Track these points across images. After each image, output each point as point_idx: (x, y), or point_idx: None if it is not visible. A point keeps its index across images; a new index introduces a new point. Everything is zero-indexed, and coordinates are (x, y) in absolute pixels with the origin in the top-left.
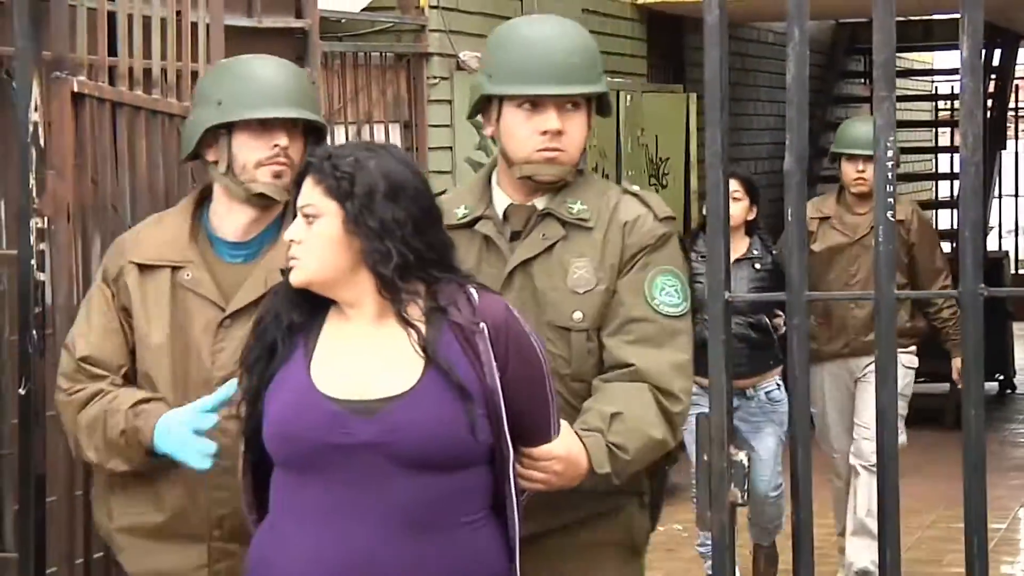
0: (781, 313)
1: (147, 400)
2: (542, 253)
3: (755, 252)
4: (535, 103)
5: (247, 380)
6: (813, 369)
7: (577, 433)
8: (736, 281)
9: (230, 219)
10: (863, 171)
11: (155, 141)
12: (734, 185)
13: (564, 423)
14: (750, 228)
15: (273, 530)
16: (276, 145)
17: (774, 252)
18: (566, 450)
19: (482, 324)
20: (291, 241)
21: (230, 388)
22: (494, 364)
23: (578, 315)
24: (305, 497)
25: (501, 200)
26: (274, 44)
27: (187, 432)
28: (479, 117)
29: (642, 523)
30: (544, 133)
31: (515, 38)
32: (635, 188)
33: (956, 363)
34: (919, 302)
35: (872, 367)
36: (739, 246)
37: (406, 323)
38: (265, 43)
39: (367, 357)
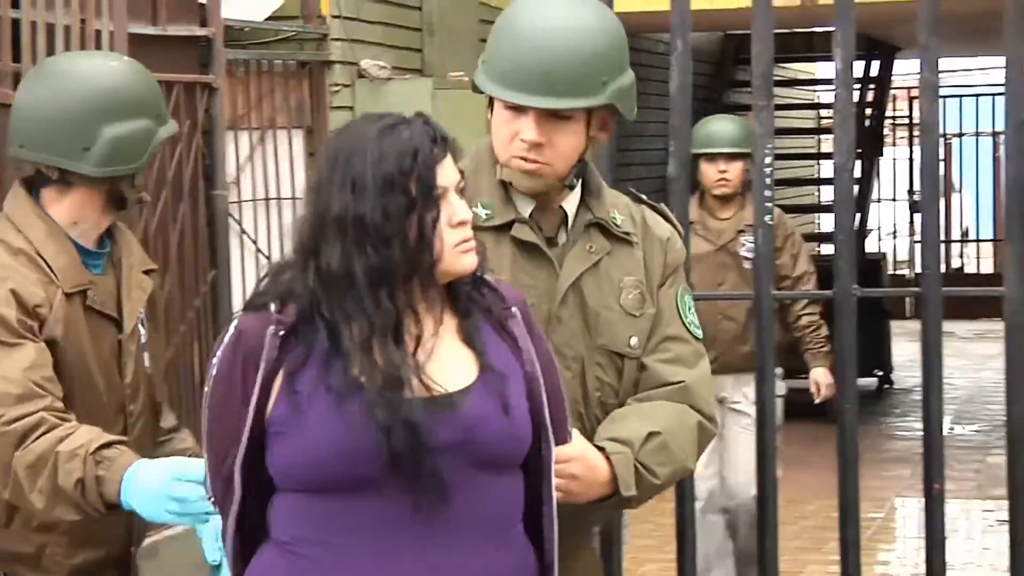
0: None
1: (108, 445)
2: (590, 268)
3: None
4: (519, 106)
5: (226, 415)
6: None
7: (601, 446)
8: None
9: (95, 229)
10: (725, 171)
11: None
12: None
13: (574, 430)
14: None
15: (306, 564)
16: None
17: None
18: (582, 451)
19: (514, 308)
20: (464, 223)
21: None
22: (532, 350)
23: (635, 340)
24: (354, 520)
25: (522, 200)
26: (178, 52)
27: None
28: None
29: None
30: (522, 141)
31: (513, 29)
32: (644, 197)
33: (815, 374)
34: (779, 311)
35: (740, 398)
36: None
37: (466, 311)
38: (169, 51)
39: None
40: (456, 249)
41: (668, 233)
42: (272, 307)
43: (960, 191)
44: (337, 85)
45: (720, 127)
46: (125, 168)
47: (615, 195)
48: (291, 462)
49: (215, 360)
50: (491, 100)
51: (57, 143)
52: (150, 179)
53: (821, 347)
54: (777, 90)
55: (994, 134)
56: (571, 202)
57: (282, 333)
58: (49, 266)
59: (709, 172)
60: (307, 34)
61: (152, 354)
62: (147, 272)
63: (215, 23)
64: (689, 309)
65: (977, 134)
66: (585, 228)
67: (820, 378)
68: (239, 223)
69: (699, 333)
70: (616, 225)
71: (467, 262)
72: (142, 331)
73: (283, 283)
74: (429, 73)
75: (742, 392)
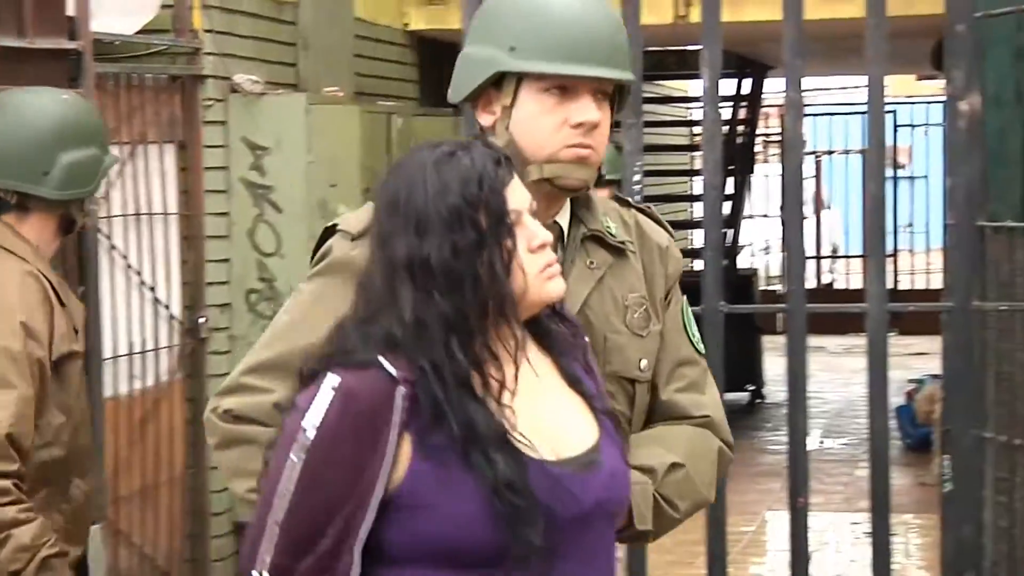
0: None
1: (57, 555)
2: (595, 287)
3: None
4: (567, 88)
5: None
6: None
7: None
8: None
9: (47, 252)
10: (590, 123)
11: None
12: None
13: None
14: None
15: None
16: None
17: None
18: None
19: (586, 338)
20: (544, 245)
21: None
22: (603, 382)
23: (644, 363)
24: None
25: None
26: (46, 65)
27: None
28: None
29: None
30: (578, 126)
31: (549, 3)
32: (631, 200)
33: None
34: None
35: None
36: None
37: (551, 348)
38: (36, 64)
39: (542, 402)
40: (542, 276)
41: (666, 241)
42: (387, 365)
43: (830, 207)
44: (210, 100)
45: None
46: (80, 191)
47: (604, 201)
48: (430, 534)
49: (312, 425)
50: (515, 94)
51: (18, 169)
52: None
53: None
54: (651, 107)
55: (864, 152)
56: (564, 215)
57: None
58: (50, 282)
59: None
60: (179, 48)
61: None
62: None
63: (84, 36)
64: (692, 323)
65: (847, 152)
66: (581, 242)
67: None
68: (108, 238)
69: (702, 347)
70: (611, 235)
71: (554, 288)
72: None
73: (375, 336)
74: (304, 88)
75: None
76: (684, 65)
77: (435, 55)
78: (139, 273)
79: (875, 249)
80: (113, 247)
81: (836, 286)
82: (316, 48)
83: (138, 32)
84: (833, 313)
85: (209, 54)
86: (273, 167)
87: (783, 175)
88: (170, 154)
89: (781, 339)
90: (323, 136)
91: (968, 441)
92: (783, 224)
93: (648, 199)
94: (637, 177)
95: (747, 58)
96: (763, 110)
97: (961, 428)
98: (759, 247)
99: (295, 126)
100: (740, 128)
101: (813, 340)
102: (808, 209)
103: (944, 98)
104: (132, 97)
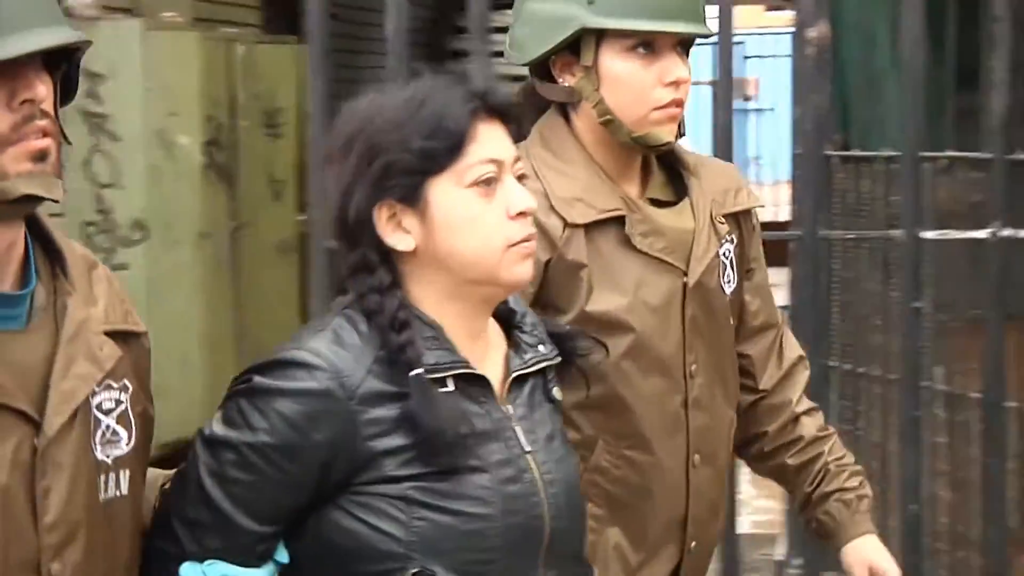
0: None
1: None
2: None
3: None
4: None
5: None
6: None
7: None
8: None
9: None
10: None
11: None
12: None
13: None
14: None
15: None
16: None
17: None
18: None
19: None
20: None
21: None
22: None
23: None
24: None
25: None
26: None
27: None
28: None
29: None
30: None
31: None
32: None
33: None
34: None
35: None
36: None
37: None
38: None
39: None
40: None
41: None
42: None
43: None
44: None
45: None
46: None
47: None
48: None
49: None
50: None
51: None
52: None
53: (855, 488)
54: None
55: (713, 83)
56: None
57: None
58: None
59: (646, 80)
60: None
61: (135, 467)
62: (117, 334)
63: None
64: None
65: (696, 83)
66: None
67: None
68: None
69: None
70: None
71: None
72: (114, 427)
73: None
74: (139, 13)
75: None
76: None
77: None
78: None
79: None
80: None
81: None
82: None
83: None
84: None
85: None
86: (109, 95)
87: None
88: None
89: None
90: (161, 63)
91: (814, 370)
92: None
93: None
94: None
95: None
96: None
97: (807, 357)
98: None
99: (131, 53)
100: None
101: None
102: None
103: (793, 29)
104: None
